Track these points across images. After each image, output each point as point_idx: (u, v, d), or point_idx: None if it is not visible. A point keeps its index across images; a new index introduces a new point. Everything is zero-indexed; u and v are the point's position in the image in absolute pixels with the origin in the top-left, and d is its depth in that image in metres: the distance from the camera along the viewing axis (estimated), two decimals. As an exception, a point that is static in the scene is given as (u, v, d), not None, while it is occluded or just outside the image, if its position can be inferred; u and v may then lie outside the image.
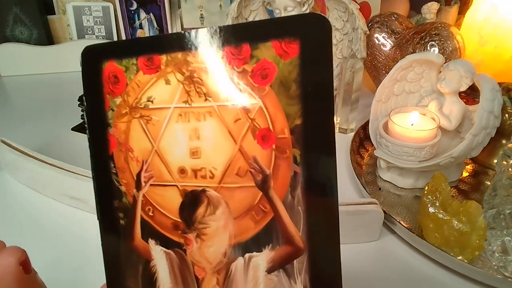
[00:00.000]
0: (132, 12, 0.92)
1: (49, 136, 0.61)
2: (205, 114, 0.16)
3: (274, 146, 0.15)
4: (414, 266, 0.38)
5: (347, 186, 0.50)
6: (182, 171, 0.17)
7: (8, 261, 0.17)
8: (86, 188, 0.43)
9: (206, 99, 0.16)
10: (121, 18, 0.92)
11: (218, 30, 0.15)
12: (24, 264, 0.17)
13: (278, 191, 0.15)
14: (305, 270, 0.15)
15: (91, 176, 0.45)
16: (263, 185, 0.16)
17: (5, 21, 0.85)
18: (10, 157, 0.47)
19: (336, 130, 0.63)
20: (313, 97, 0.14)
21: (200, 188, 0.17)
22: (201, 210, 0.17)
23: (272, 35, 0.15)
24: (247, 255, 0.16)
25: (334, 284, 0.15)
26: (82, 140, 0.60)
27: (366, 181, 0.50)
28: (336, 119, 0.63)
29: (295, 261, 0.15)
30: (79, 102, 0.60)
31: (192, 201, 0.17)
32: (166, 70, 0.17)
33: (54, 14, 0.92)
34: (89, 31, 0.93)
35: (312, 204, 0.15)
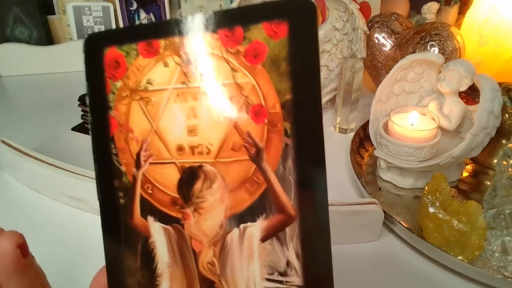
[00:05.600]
0: (132, 12, 0.92)
1: (49, 136, 0.61)
2: (202, 94, 0.17)
3: (266, 121, 0.16)
4: (414, 266, 0.38)
5: (347, 186, 0.50)
6: (180, 148, 0.18)
7: (6, 245, 0.17)
8: (86, 188, 0.43)
9: (202, 79, 0.17)
10: (121, 18, 0.92)
11: (212, 15, 0.16)
12: (22, 248, 0.18)
13: (270, 163, 0.16)
14: (296, 236, 0.16)
15: (90, 176, 0.45)
16: (257, 158, 0.16)
17: (5, 21, 0.85)
18: (10, 157, 0.47)
19: (336, 130, 0.63)
20: (301, 73, 0.15)
21: (197, 164, 0.17)
22: (198, 185, 0.17)
23: (263, 18, 0.16)
24: (242, 225, 0.17)
25: (323, 248, 0.16)
26: (82, 140, 0.60)
27: (366, 181, 0.50)
28: (336, 119, 0.63)
29: (287, 228, 0.16)
30: (79, 102, 0.60)
31: (189, 176, 0.18)
32: (165, 53, 0.17)
33: (54, 14, 0.92)
34: (89, 31, 0.92)
35: (302, 173, 0.16)
